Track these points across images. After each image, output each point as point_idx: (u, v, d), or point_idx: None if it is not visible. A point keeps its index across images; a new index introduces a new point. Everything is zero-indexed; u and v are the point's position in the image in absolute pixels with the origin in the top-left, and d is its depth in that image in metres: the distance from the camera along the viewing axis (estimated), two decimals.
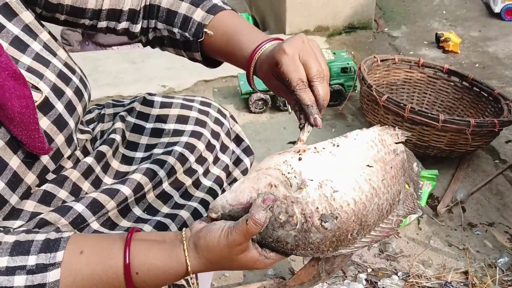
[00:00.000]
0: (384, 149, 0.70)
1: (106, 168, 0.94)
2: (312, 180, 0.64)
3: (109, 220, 0.86)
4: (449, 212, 1.50)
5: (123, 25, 0.90)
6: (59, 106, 0.78)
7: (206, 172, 1.06)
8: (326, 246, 0.65)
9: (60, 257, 0.65)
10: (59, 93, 0.79)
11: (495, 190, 1.60)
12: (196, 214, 0.95)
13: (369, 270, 1.32)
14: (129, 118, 1.04)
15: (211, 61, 0.93)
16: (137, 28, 0.91)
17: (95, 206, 0.82)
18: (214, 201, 0.68)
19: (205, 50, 0.88)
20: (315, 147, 0.67)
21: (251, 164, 1.24)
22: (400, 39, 2.72)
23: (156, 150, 0.99)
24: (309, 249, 0.65)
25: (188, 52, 0.89)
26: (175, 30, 0.87)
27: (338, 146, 0.68)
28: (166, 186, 0.96)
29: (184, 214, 0.92)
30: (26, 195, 0.79)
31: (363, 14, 2.77)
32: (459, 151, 1.60)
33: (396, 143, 0.73)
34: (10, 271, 0.63)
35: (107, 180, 0.94)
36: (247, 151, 1.20)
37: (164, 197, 0.95)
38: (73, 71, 0.84)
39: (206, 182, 1.03)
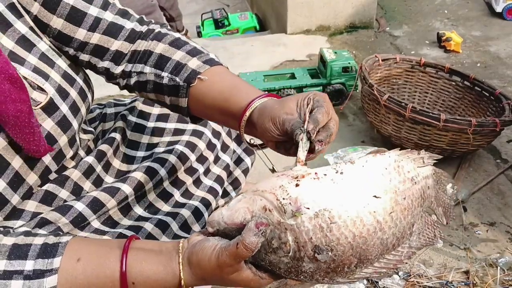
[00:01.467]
0: (399, 178, 0.65)
1: (107, 167, 0.94)
2: (308, 208, 0.60)
3: (109, 219, 0.86)
4: None
5: (105, 64, 0.85)
6: (64, 108, 0.78)
7: (207, 171, 1.06)
8: (320, 276, 0.62)
9: (58, 264, 0.65)
10: (63, 94, 0.78)
11: (497, 189, 1.59)
12: (197, 213, 0.96)
13: None
14: (130, 117, 1.04)
15: (192, 117, 0.89)
16: (118, 69, 0.86)
17: (96, 205, 0.82)
18: (212, 214, 0.66)
19: (191, 101, 0.83)
20: (315, 173, 0.63)
21: (252, 164, 1.24)
22: (402, 39, 2.71)
23: (157, 149, 0.99)
24: (302, 276, 0.62)
25: (173, 98, 0.84)
26: (164, 74, 0.83)
27: (342, 173, 0.63)
28: (167, 185, 0.96)
29: (185, 212, 0.93)
30: (28, 195, 0.79)
31: (364, 13, 2.76)
32: (461, 150, 1.60)
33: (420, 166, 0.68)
34: (8, 275, 0.63)
35: (108, 179, 0.94)
36: (248, 151, 1.20)
37: (165, 196, 0.95)
38: (77, 72, 0.84)
39: (207, 181, 1.04)
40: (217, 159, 1.09)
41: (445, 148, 1.59)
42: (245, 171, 1.20)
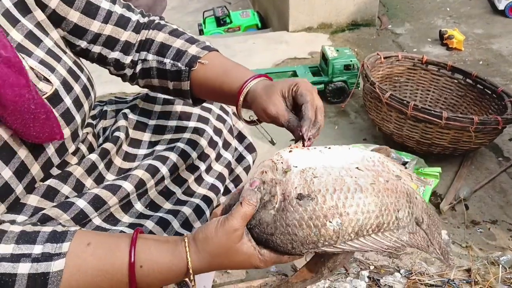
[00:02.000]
0: (382, 167, 0.70)
1: (109, 165, 0.95)
2: (296, 166, 0.69)
3: (111, 216, 0.86)
4: (452, 210, 1.50)
5: (115, 54, 0.90)
6: (67, 101, 0.80)
7: (209, 169, 1.05)
8: (303, 233, 0.65)
9: (66, 248, 0.66)
10: (68, 87, 0.80)
11: (498, 187, 1.59)
12: (198, 211, 0.96)
13: (372, 267, 1.32)
14: (131, 116, 1.04)
15: (196, 99, 0.96)
16: (127, 59, 0.92)
17: (97, 202, 0.83)
18: (217, 207, 0.72)
19: (192, 84, 0.90)
20: (307, 147, 0.73)
21: (253, 161, 1.24)
22: (404, 36, 2.71)
23: (159, 147, 0.99)
24: (288, 234, 0.66)
25: (175, 82, 0.91)
26: (166, 60, 0.90)
27: (329, 148, 0.72)
28: (168, 182, 0.97)
29: (187, 210, 0.93)
30: (31, 188, 0.79)
31: (366, 11, 2.76)
32: (463, 148, 1.60)
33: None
34: (15, 258, 0.64)
35: (110, 177, 0.94)
36: (250, 148, 1.20)
37: (167, 193, 0.96)
38: (81, 69, 0.86)
39: (209, 179, 1.04)
40: (218, 156, 1.09)
41: (447, 146, 1.58)
42: (247, 169, 1.20)
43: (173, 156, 0.95)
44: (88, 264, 0.66)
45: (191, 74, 0.89)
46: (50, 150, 0.80)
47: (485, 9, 2.95)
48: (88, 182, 0.89)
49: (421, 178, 0.77)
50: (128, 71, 0.94)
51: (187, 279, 0.79)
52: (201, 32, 3.23)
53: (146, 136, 1.03)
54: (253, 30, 3.16)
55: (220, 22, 3.15)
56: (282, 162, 0.70)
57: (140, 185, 0.89)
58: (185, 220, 0.92)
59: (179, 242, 0.69)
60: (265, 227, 0.67)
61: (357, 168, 0.68)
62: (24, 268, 0.63)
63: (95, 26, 0.87)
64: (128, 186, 0.87)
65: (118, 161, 0.97)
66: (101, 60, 0.91)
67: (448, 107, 1.91)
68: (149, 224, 0.87)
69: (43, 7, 0.81)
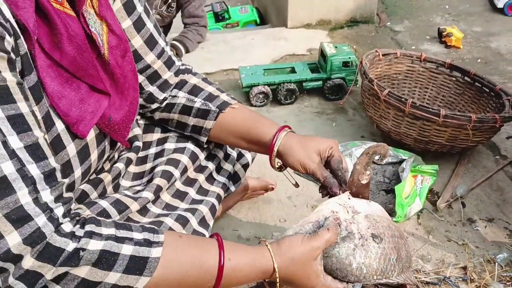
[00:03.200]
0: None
1: (125, 173, 0.98)
2: (360, 212, 0.86)
3: (129, 220, 0.88)
4: (449, 208, 1.50)
5: (152, 89, 0.97)
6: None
7: (219, 168, 1.10)
8: (376, 265, 0.82)
9: (162, 239, 0.70)
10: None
11: (495, 186, 1.59)
12: (213, 209, 1.00)
13: None
14: (141, 121, 1.07)
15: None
16: (161, 96, 0.99)
17: (119, 205, 0.85)
18: (286, 231, 0.85)
19: (215, 126, 1.00)
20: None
21: (252, 160, 1.25)
22: (403, 34, 2.70)
23: (168, 145, 1.02)
24: (364, 266, 0.81)
25: (199, 120, 1.00)
26: (197, 99, 1.00)
27: (370, 202, 0.92)
28: (179, 185, 0.99)
29: (203, 209, 0.97)
30: (85, 175, 0.83)
31: (365, 8, 2.75)
32: (460, 146, 1.60)
33: None
34: (120, 239, 0.67)
35: (124, 183, 0.97)
36: None
37: (180, 195, 0.99)
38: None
39: (220, 178, 1.09)
40: (227, 155, 1.13)
41: (445, 143, 1.58)
42: (245, 166, 1.21)
43: (184, 159, 0.99)
44: (181, 258, 0.71)
45: (218, 116, 0.99)
46: (108, 139, 0.85)
47: (484, 7, 2.94)
48: (109, 188, 0.92)
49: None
50: (155, 105, 1.00)
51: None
52: None
53: (155, 136, 1.06)
54: (252, 26, 3.15)
55: (218, 17, 3.14)
56: (350, 206, 0.85)
57: (158, 191, 0.93)
58: (202, 219, 0.96)
59: (261, 246, 0.78)
60: (344, 258, 0.80)
61: (390, 220, 0.91)
62: (127, 249, 0.66)
63: (149, 57, 0.93)
64: (148, 194, 0.91)
65: (131, 168, 1.00)
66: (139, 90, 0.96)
67: (446, 105, 1.90)
68: (169, 221, 0.90)
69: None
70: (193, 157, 1.02)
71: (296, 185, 1.09)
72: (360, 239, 0.81)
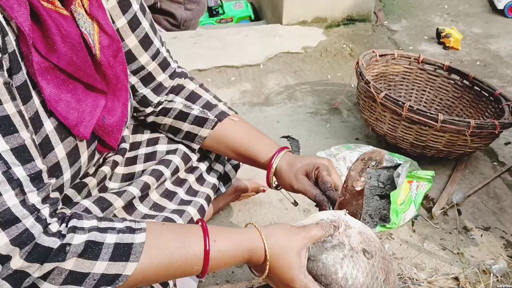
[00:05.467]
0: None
1: (112, 175, 0.96)
2: (354, 228, 0.84)
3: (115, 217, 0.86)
4: (444, 215, 1.46)
5: (146, 91, 0.95)
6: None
7: (210, 169, 1.08)
8: (363, 279, 0.80)
9: (145, 225, 0.71)
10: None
11: (492, 193, 1.56)
12: (202, 211, 0.98)
13: None
14: (130, 121, 1.03)
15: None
16: (155, 99, 0.97)
17: (102, 203, 0.84)
18: None
19: (209, 135, 0.99)
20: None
21: None
22: (400, 33, 2.66)
23: (160, 147, 1.00)
24: (350, 278, 0.79)
25: (194, 127, 0.99)
26: (195, 107, 0.99)
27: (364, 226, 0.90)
28: (168, 185, 0.98)
29: (191, 210, 0.95)
30: (76, 176, 0.82)
31: (362, 6, 2.70)
32: (457, 152, 1.56)
33: None
34: (102, 230, 0.68)
35: (112, 185, 0.94)
36: None
37: (169, 194, 0.97)
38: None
39: (210, 179, 1.06)
40: (218, 156, 1.11)
41: (442, 149, 1.54)
42: (236, 167, 1.21)
43: (176, 159, 0.98)
44: (166, 242, 0.71)
45: (216, 126, 0.99)
46: (95, 150, 0.83)
47: (484, 8, 2.90)
48: (95, 192, 0.90)
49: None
50: (149, 109, 0.99)
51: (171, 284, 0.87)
52: None
53: (144, 137, 1.03)
54: (246, 22, 3.10)
55: (212, 12, 3.08)
56: (343, 221, 0.84)
57: (145, 188, 0.91)
58: (190, 220, 0.94)
59: (248, 227, 0.78)
60: (331, 265, 0.79)
61: (375, 239, 0.89)
62: (111, 238, 0.67)
63: (144, 58, 0.91)
64: (133, 190, 0.88)
65: (120, 170, 0.97)
66: (132, 93, 0.95)
67: (444, 108, 1.86)
68: None
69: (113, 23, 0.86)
70: (186, 158, 1.01)
71: (295, 203, 1.13)
72: (351, 250, 0.80)
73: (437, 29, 2.52)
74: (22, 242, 0.61)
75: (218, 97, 1.05)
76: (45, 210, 0.64)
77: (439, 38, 2.49)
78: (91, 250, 0.65)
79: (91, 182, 0.88)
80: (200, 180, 1.05)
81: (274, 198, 1.47)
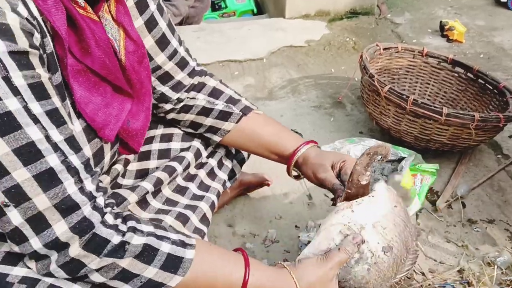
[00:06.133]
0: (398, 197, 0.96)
1: (125, 172, 0.97)
2: (366, 224, 0.85)
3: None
4: (449, 208, 1.46)
5: (164, 89, 0.95)
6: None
7: (220, 165, 1.09)
8: (390, 272, 0.85)
9: (194, 242, 0.74)
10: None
11: (497, 186, 1.56)
12: (213, 207, 1.01)
13: None
14: None
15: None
16: (174, 96, 0.97)
17: (117, 198, 0.85)
18: (299, 257, 0.84)
19: (232, 129, 1.00)
20: (356, 201, 0.88)
21: (248, 156, 1.22)
22: (403, 26, 2.65)
23: (174, 144, 1.02)
24: (379, 279, 0.84)
25: (217, 121, 1.00)
26: (219, 102, 1.00)
27: (373, 196, 0.89)
28: (180, 180, 0.99)
29: (204, 206, 0.97)
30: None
31: None
32: (461, 145, 1.56)
33: None
34: (159, 237, 0.70)
35: (126, 182, 0.96)
36: None
37: (180, 190, 0.99)
38: None
39: (221, 175, 1.08)
40: (228, 152, 1.12)
41: (446, 142, 1.54)
42: (241, 162, 1.22)
43: (189, 156, 1.00)
44: (211, 265, 0.74)
45: (240, 120, 1.00)
46: (116, 152, 0.86)
47: (487, 1, 2.89)
48: (108, 189, 0.90)
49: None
50: (168, 106, 0.99)
51: None
52: None
53: (158, 132, 1.04)
54: (249, 16, 3.09)
55: (214, 6, 3.08)
56: (354, 224, 0.84)
57: (158, 183, 0.92)
58: (203, 216, 0.96)
59: (281, 268, 0.81)
60: (361, 279, 0.83)
61: (395, 206, 0.90)
62: (165, 247, 0.70)
63: (160, 58, 0.91)
64: (147, 185, 0.90)
65: (133, 166, 0.99)
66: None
67: (448, 101, 1.86)
68: (169, 219, 0.91)
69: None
70: (197, 155, 1.02)
71: (310, 196, 1.20)
72: (372, 257, 0.84)
73: (441, 22, 2.51)
74: (82, 230, 0.64)
75: (238, 93, 1.06)
76: (100, 199, 0.67)
77: (443, 31, 2.48)
78: (147, 254, 0.68)
79: (105, 180, 0.89)
80: (212, 175, 1.06)
81: (278, 193, 1.47)
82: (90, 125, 0.73)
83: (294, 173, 1.04)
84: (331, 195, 0.98)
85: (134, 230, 0.68)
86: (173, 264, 0.70)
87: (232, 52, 2.27)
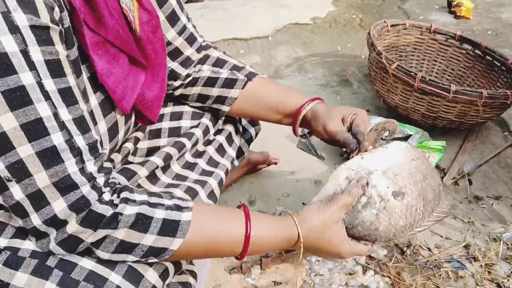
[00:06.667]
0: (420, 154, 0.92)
1: (135, 150, 0.97)
2: (376, 170, 0.82)
3: (139, 187, 0.89)
4: (455, 185, 1.47)
5: (174, 65, 0.96)
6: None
7: (230, 142, 1.10)
8: (403, 221, 0.81)
9: (191, 204, 0.73)
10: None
11: (503, 163, 1.56)
12: (221, 184, 1.01)
13: None
14: None
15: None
16: (184, 72, 0.98)
17: (127, 172, 0.86)
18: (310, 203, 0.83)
19: (239, 96, 1.00)
20: (367, 151, 0.86)
21: (256, 134, 1.22)
22: (410, 3, 2.61)
23: (184, 122, 1.02)
24: (391, 226, 0.80)
25: (224, 89, 0.99)
26: (223, 70, 1.00)
27: (387, 147, 0.87)
28: (188, 157, 1.00)
29: (213, 182, 0.98)
30: (109, 155, 0.84)
31: None
32: (469, 122, 1.56)
33: None
34: (152, 205, 0.70)
35: (137, 160, 0.96)
36: (253, 121, 1.21)
37: (190, 166, 0.99)
38: None
39: (231, 152, 1.08)
40: (237, 130, 1.13)
41: (453, 120, 1.54)
42: (249, 141, 1.22)
43: (198, 132, 1.00)
44: (210, 223, 0.74)
45: (246, 85, 0.99)
46: (131, 120, 0.85)
47: None
48: (118, 167, 0.92)
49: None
50: (177, 83, 0.99)
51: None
52: None
53: (167, 110, 1.04)
54: None
55: None
56: (362, 169, 0.82)
57: (167, 158, 0.93)
58: (211, 192, 0.97)
59: (285, 216, 0.80)
60: (369, 225, 0.80)
61: (412, 159, 0.85)
62: (160, 214, 0.69)
63: (170, 34, 0.91)
64: (156, 159, 0.91)
65: (143, 144, 0.99)
66: None
67: (455, 78, 1.85)
68: (178, 192, 0.91)
69: None
70: (206, 131, 1.03)
71: (321, 157, 1.18)
72: (381, 202, 0.80)
73: None
74: (79, 208, 0.64)
75: (241, 62, 1.06)
76: (101, 180, 0.67)
77: (450, 7, 2.45)
78: (141, 223, 0.68)
79: (117, 158, 0.90)
80: (221, 151, 1.06)
81: (285, 171, 1.48)
82: (111, 96, 0.73)
83: (300, 131, 1.02)
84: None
85: (126, 200, 0.68)
86: (170, 228, 0.69)
87: (237, 30, 2.24)
